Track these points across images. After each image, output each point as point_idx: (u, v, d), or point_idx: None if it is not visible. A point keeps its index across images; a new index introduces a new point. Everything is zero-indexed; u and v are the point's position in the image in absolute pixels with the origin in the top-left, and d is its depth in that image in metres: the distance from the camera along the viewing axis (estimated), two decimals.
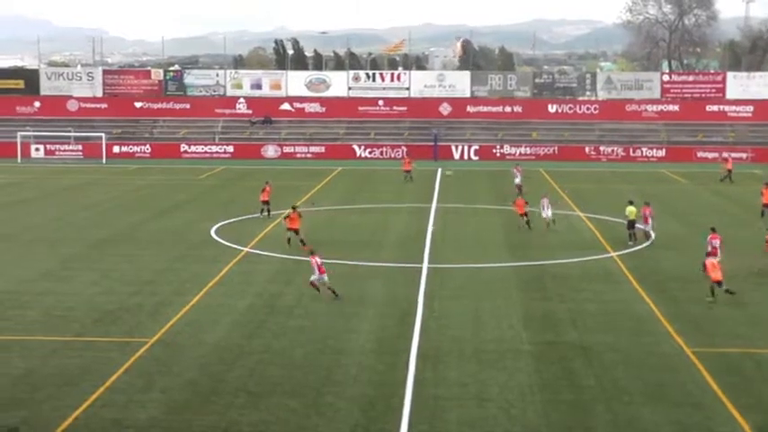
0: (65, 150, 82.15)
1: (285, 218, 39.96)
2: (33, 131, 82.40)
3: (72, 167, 74.41)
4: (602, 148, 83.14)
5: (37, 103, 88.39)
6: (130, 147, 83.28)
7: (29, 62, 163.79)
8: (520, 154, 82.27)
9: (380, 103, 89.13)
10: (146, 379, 22.52)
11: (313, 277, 30.52)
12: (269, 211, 46.74)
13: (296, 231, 38.72)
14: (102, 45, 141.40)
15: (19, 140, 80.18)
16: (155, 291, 31.43)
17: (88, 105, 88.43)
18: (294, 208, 39.88)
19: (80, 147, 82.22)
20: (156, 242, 40.49)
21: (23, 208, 51.34)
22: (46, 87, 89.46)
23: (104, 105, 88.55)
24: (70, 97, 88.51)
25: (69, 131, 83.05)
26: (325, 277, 30.56)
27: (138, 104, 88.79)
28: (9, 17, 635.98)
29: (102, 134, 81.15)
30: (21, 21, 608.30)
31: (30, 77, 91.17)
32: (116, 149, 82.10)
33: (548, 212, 44.13)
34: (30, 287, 32.11)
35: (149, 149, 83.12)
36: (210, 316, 28.42)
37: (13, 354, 24.57)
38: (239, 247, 38.91)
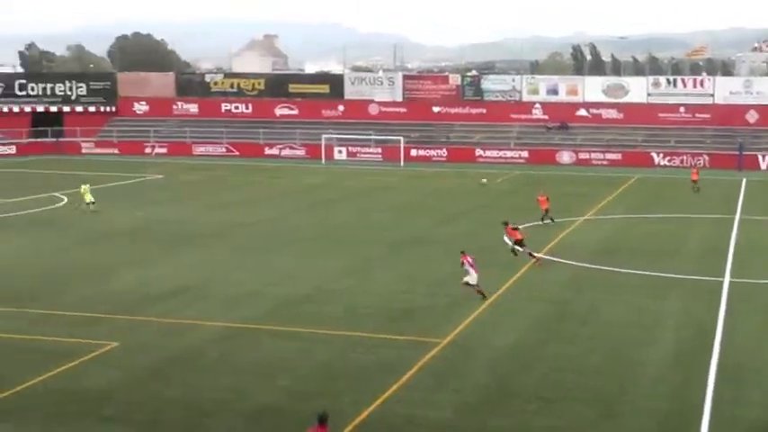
0: (365, 153, 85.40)
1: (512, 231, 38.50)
2: (337, 134, 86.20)
3: (372, 170, 77.19)
4: None
5: (341, 107, 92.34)
6: (427, 150, 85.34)
7: (334, 68, 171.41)
8: None
9: (681, 109, 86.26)
10: (438, 379, 23.00)
11: (467, 278, 30.66)
12: (551, 218, 46.53)
13: (521, 243, 37.76)
14: (402, 51, 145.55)
15: (323, 143, 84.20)
16: (448, 292, 32.01)
17: (388, 109, 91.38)
18: (506, 223, 38.79)
19: (379, 150, 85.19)
20: (450, 245, 41.13)
21: (328, 208, 53.81)
22: (349, 92, 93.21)
23: (403, 110, 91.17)
24: (371, 101, 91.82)
25: (370, 134, 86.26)
26: (475, 277, 30.65)
27: (435, 109, 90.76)
28: (316, 25, 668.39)
29: (401, 138, 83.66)
30: (327, 28, 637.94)
31: (335, 82, 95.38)
32: (413, 153, 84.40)
33: None
34: (333, 284, 33.64)
35: (445, 153, 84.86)
36: (503, 320, 28.65)
37: (317, 346, 25.83)
38: (533, 253, 38.89)
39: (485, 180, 63.71)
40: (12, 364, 24.14)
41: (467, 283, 30.87)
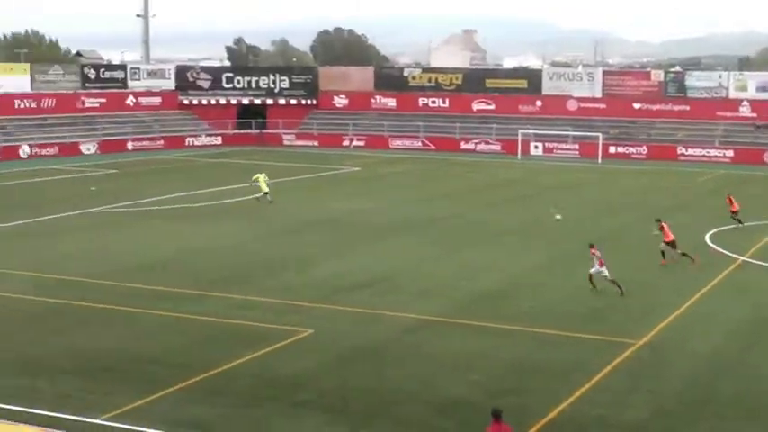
0: (562, 149, 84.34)
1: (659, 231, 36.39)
2: (533, 129, 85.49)
3: (568, 166, 76.13)
4: None
5: (538, 102, 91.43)
6: (626, 148, 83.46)
7: (532, 63, 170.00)
8: None
9: None
10: (632, 380, 22.48)
11: (592, 270, 31.06)
12: (740, 220, 44.64)
13: (671, 244, 35.87)
14: (603, 47, 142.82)
15: (520, 138, 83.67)
16: (643, 293, 31.24)
17: (587, 105, 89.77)
18: (658, 220, 36.95)
19: (577, 146, 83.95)
20: (645, 244, 40.10)
21: (524, 204, 53.47)
22: (547, 87, 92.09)
23: (602, 106, 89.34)
24: (570, 97, 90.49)
25: (567, 131, 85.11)
26: (605, 271, 30.76)
27: (636, 105, 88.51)
28: (517, 20, 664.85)
29: (599, 134, 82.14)
30: (528, 23, 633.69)
31: (532, 77, 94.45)
32: (612, 150, 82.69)
33: None
34: (527, 280, 33.44)
35: (645, 151, 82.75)
36: (701, 324, 27.74)
37: (508, 342, 25.74)
38: (735, 256, 37.51)
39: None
40: (213, 346, 25.13)
41: (604, 278, 30.89)
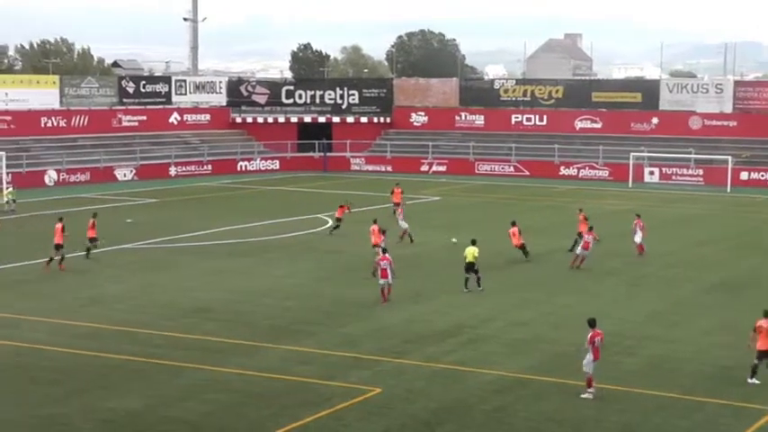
0: (683, 175, 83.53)
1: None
2: (648, 152, 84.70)
3: (689, 195, 75.27)
4: None
5: (654, 120, 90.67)
6: (762, 174, 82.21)
7: (648, 72, 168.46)
8: None
9: None
10: None
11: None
12: None
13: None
14: (735, 53, 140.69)
15: (631, 162, 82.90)
16: None
17: (713, 123, 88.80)
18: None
19: (700, 171, 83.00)
20: None
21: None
22: (666, 101, 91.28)
23: (733, 123, 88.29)
24: (693, 113, 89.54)
25: (689, 153, 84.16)
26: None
27: None
28: (624, 23, 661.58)
29: (729, 158, 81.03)
30: (641, 27, 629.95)
31: (648, 90, 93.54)
32: (743, 176, 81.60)
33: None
34: (635, 332, 33.01)
35: None
36: None
37: (613, 405, 25.40)
38: None
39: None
40: (264, 407, 25.15)
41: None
